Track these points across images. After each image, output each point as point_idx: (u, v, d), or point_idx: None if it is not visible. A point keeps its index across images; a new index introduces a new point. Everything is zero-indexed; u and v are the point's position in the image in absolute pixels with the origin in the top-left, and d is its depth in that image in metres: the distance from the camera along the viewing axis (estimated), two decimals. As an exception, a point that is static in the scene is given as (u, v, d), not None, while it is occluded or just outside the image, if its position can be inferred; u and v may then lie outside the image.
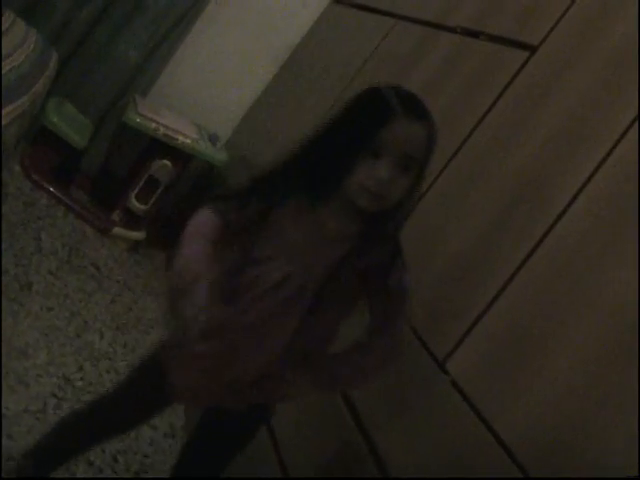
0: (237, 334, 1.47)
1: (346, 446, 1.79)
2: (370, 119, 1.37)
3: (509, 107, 1.90)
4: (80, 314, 2.80)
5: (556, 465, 1.26)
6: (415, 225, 1.96)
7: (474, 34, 2.25)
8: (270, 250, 1.47)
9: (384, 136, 1.35)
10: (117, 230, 3.60)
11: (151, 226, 3.72)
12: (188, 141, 3.49)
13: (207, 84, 3.98)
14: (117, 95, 3.87)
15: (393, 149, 1.36)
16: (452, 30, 2.38)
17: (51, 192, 3.54)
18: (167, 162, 3.50)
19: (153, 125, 3.43)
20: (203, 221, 1.48)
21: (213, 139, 3.65)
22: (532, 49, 1.94)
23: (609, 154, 1.50)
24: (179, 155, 3.52)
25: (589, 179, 1.51)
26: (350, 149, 1.37)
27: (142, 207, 3.57)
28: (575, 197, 1.52)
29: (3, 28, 2.62)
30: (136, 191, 3.54)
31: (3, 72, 2.28)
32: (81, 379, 2.44)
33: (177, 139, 3.47)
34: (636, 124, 1.48)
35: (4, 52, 2.41)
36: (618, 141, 1.50)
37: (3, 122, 2.16)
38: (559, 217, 1.53)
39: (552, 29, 1.91)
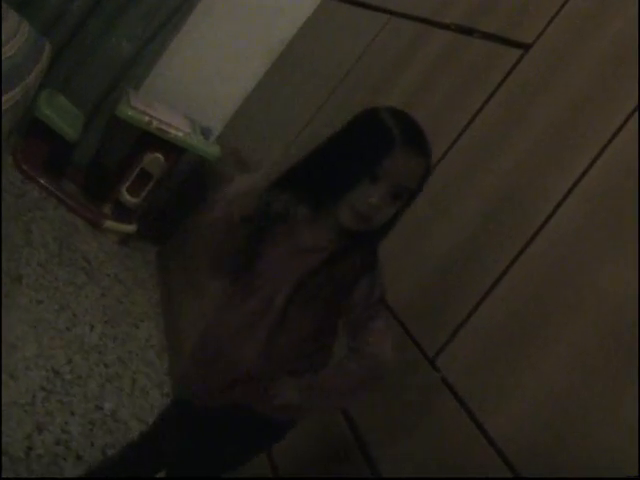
0: (214, 341, 1.54)
1: (335, 440, 1.80)
2: (373, 147, 1.38)
3: (502, 105, 1.91)
4: (70, 307, 2.79)
5: (545, 463, 1.27)
6: (406, 222, 1.97)
7: (468, 31, 2.24)
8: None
9: (384, 165, 1.36)
10: (108, 223, 3.59)
11: (142, 219, 3.71)
12: (180, 135, 3.48)
13: (200, 78, 3.97)
14: (110, 87, 3.86)
15: (390, 178, 1.37)
16: (446, 27, 2.38)
17: (42, 184, 3.52)
18: (159, 155, 3.49)
19: (146, 118, 3.42)
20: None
21: (206, 133, 3.65)
22: (526, 47, 1.94)
23: (602, 152, 1.50)
24: (171, 149, 3.51)
25: (582, 177, 1.52)
26: (350, 174, 1.38)
27: (134, 200, 3.56)
28: (567, 195, 1.53)
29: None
30: (128, 184, 3.53)
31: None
32: (70, 372, 2.43)
33: (169, 132, 3.46)
34: (630, 122, 1.49)
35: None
36: (611, 139, 1.50)
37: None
38: (551, 215, 1.54)
39: (546, 27, 1.91)
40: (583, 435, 1.22)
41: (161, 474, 1.73)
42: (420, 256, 1.84)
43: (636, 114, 1.49)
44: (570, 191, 1.52)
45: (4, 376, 2.21)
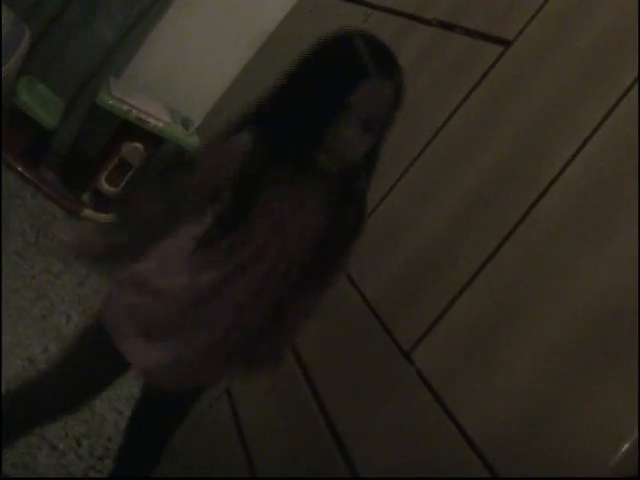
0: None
1: (310, 433, 1.80)
2: (339, 76, 1.31)
3: (483, 100, 1.91)
4: (47, 296, 2.77)
5: (519, 457, 1.27)
6: (384, 215, 1.97)
7: (450, 27, 2.25)
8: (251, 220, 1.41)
9: (353, 97, 1.30)
10: (87, 212, 3.57)
11: (120, 209, 3.69)
12: (160, 124, 3.47)
13: (181, 67, 3.95)
14: (90, 75, 3.83)
15: (360, 109, 1.31)
16: (428, 22, 2.38)
17: (20, 172, 3.50)
18: (139, 145, 3.48)
19: (125, 107, 3.41)
20: None
21: (186, 123, 3.63)
22: (507, 43, 1.95)
23: (583, 146, 1.51)
24: (151, 138, 3.50)
25: (562, 171, 1.52)
26: (319, 115, 1.32)
27: (112, 189, 3.54)
28: (547, 189, 1.53)
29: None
30: (107, 173, 3.52)
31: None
32: (46, 361, 2.42)
33: (149, 122, 3.45)
34: (610, 118, 1.50)
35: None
36: (592, 134, 1.51)
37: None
38: (529, 210, 1.54)
39: (527, 24, 1.92)
40: (557, 428, 1.23)
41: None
42: (397, 249, 1.84)
43: (616, 111, 1.49)
44: (550, 185, 1.53)
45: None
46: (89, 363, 1.59)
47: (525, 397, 1.31)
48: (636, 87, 1.48)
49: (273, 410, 2.00)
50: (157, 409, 1.70)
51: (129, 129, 3.49)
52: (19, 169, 3.50)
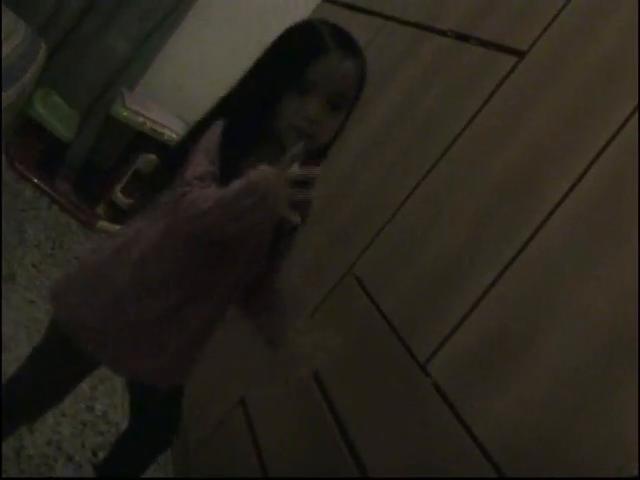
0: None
1: (325, 445, 1.80)
2: (300, 53, 1.33)
3: (497, 111, 1.91)
4: (62, 307, 2.78)
5: (534, 469, 1.27)
6: (399, 228, 1.97)
7: (464, 38, 2.25)
8: None
9: (314, 71, 1.31)
10: (101, 224, 3.59)
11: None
12: (174, 136, 3.48)
13: (195, 79, 3.97)
14: (105, 87, 3.86)
15: (323, 86, 1.31)
16: (442, 33, 2.38)
17: (36, 183, 3.52)
18: (153, 156, 3.50)
19: (140, 119, 3.43)
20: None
21: (200, 134, 3.64)
22: (521, 54, 1.95)
23: (597, 159, 1.51)
24: (165, 150, 3.51)
25: (576, 184, 1.52)
26: (277, 86, 1.32)
27: (127, 201, 3.56)
28: (561, 201, 1.53)
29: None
30: (121, 185, 3.53)
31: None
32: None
33: (164, 134, 3.46)
34: (625, 129, 1.49)
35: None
36: (606, 146, 1.50)
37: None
38: (545, 220, 1.54)
39: (541, 35, 1.92)
40: (573, 441, 1.23)
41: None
42: (412, 262, 1.84)
43: (630, 122, 1.49)
44: (564, 198, 1.53)
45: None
46: (53, 368, 1.59)
47: (541, 409, 1.31)
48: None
49: (288, 421, 2.00)
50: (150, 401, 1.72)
51: (144, 140, 3.51)
52: (34, 181, 3.52)
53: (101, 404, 2.42)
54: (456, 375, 1.53)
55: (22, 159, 3.53)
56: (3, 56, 2.43)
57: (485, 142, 1.88)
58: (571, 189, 1.52)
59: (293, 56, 1.34)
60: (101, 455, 2.20)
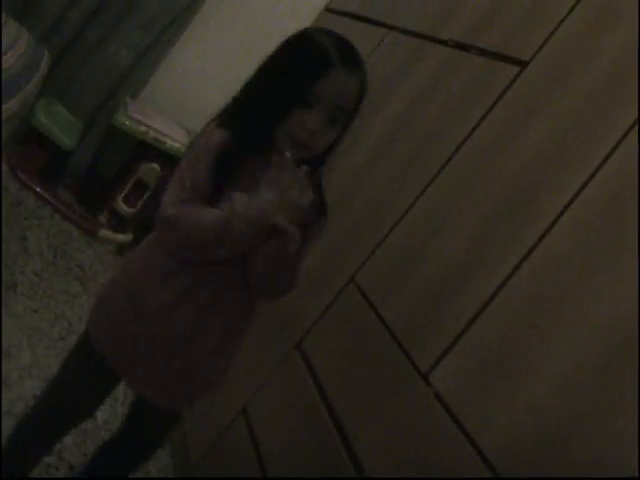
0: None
1: (327, 454, 1.80)
2: (305, 69, 1.34)
3: (498, 121, 1.91)
4: (64, 316, 2.79)
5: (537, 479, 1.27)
6: (401, 238, 1.98)
7: (466, 47, 2.25)
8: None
9: (319, 88, 1.32)
10: (103, 232, 3.59)
11: (138, 229, 3.71)
12: (177, 145, 3.49)
13: (197, 88, 3.98)
14: (107, 96, 3.86)
15: (326, 101, 1.33)
16: (444, 43, 2.39)
17: (38, 192, 3.53)
18: (155, 165, 3.50)
19: (142, 128, 3.43)
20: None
21: (202, 143, 3.64)
22: (523, 64, 1.95)
23: (598, 169, 1.51)
24: (168, 159, 3.52)
25: (577, 194, 1.52)
26: (284, 100, 1.34)
27: (129, 210, 3.56)
28: (563, 212, 1.53)
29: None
30: (124, 194, 3.54)
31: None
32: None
33: (166, 143, 3.47)
34: (627, 139, 1.49)
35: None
36: (608, 156, 1.51)
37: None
38: (546, 231, 1.54)
39: (543, 44, 1.92)
40: (576, 451, 1.23)
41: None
42: (414, 272, 1.84)
43: (632, 132, 1.49)
44: (566, 208, 1.53)
45: (-3, 385, 2.20)
46: (82, 383, 1.63)
47: (543, 419, 1.31)
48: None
49: (290, 430, 2.00)
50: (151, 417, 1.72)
51: (146, 150, 3.51)
52: (37, 189, 3.53)
53: (103, 413, 2.42)
54: (458, 385, 1.53)
55: (24, 168, 3.53)
56: (6, 65, 2.43)
57: (487, 152, 1.88)
58: (573, 199, 1.52)
59: (298, 71, 1.35)
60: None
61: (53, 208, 3.54)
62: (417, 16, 2.73)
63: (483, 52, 2.16)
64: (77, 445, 2.21)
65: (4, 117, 2.27)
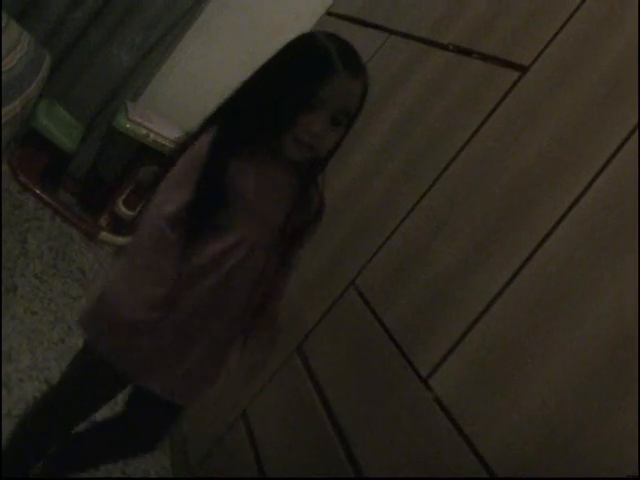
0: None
1: (327, 458, 1.80)
2: (310, 74, 1.36)
3: (499, 126, 1.92)
4: (64, 319, 2.79)
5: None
6: (401, 242, 1.98)
7: (466, 52, 2.26)
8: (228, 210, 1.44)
9: (323, 92, 1.34)
10: (104, 235, 3.59)
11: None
12: (177, 148, 3.48)
13: (199, 91, 3.97)
14: (108, 99, 3.86)
15: (329, 103, 1.36)
16: (444, 47, 2.39)
17: (39, 195, 3.53)
18: (156, 168, 3.49)
19: (143, 131, 3.43)
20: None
21: (203, 146, 3.64)
22: (523, 69, 1.95)
23: (599, 173, 1.51)
24: (168, 162, 3.51)
25: (578, 198, 1.52)
26: (290, 104, 1.36)
27: (129, 213, 3.56)
28: (563, 216, 1.53)
29: (-3, 30, 2.62)
30: (124, 196, 3.54)
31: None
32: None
33: (166, 145, 3.46)
34: (628, 144, 1.50)
35: (-3, 55, 2.41)
36: (609, 160, 1.51)
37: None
38: (546, 236, 1.54)
39: (543, 50, 1.92)
40: (577, 455, 1.23)
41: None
42: (414, 276, 1.84)
43: (633, 137, 1.50)
44: (567, 213, 1.53)
45: (-3, 387, 2.20)
46: (90, 388, 1.63)
47: (543, 423, 1.31)
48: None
49: (290, 434, 2.00)
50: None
51: (147, 152, 3.51)
52: (37, 192, 3.53)
53: (101, 416, 2.41)
54: (458, 390, 1.53)
55: (25, 170, 3.53)
56: (7, 67, 2.44)
57: (487, 156, 1.88)
58: (574, 203, 1.53)
59: (302, 75, 1.36)
60: (102, 468, 2.20)
61: (54, 210, 3.54)
62: (418, 20, 2.73)
63: (484, 57, 2.16)
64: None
65: (5, 119, 2.27)
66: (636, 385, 1.19)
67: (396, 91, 2.48)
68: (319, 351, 2.05)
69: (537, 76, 1.91)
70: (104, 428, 1.81)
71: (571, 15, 1.90)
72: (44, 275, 2.97)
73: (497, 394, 1.43)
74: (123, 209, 3.55)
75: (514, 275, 1.56)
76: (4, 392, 2.21)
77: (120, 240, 3.62)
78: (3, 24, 2.73)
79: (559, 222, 1.54)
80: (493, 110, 1.96)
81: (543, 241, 1.55)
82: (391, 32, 2.87)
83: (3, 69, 2.39)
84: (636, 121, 1.50)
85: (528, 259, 1.55)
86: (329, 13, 3.78)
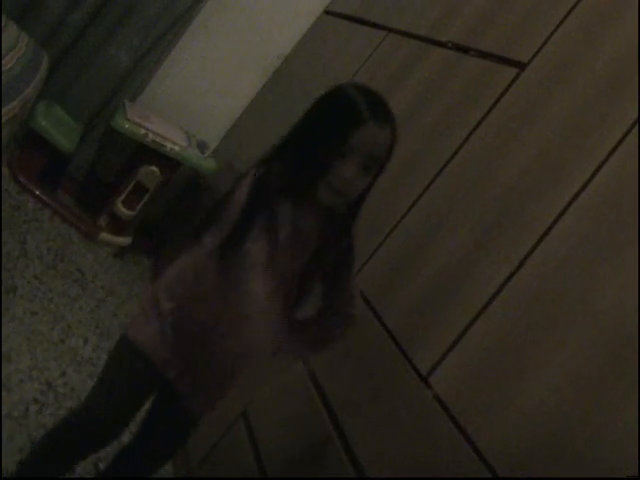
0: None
1: (326, 456, 1.79)
2: (341, 124, 1.44)
3: (498, 123, 1.92)
4: (64, 319, 2.78)
5: (537, 481, 1.27)
6: (400, 241, 1.97)
7: (464, 50, 2.26)
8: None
9: (353, 140, 1.42)
10: (103, 235, 3.59)
11: (137, 232, 3.71)
12: (176, 148, 3.48)
13: (197, 91, 3.98)
14: (107, 99, 3.85)
15: (360, 152, 1.44)
16: (443, 45, 2.39)
17: (38, 195, 3.52)
18: (155, 168, 3.50)
19: (142, 131, 3.42)
20: None
21: (202, 146, 3.65)
22: (522, 66, 1.95)
23: (599, 169, 1.51)
24: (167, 162, 3.51)
25: (578, 194, 1.52)
26: (324, 152, 1.44)
27: (129, 213, 3.55)
28: (561, 214, 1.53)
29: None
30: (123, 197, 3.53)
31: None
32: (64, 384, 2.43)
33: (165, 146, 3.46)
34: (627, 140, 1.50)
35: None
36: (608, 156, 1.51)
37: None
38: (546, 233, 1.54)
39: (542, 47, 1.93)
40: (576, 453, 1.23)
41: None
42: (414, 275, 1.84)
43: (631, 134, 1.50)
44: (566, 209, 1.53)
45: (-3, 388, 2.20)
46: (126, 388, 1.68)
47: (543, 421, 1.31)
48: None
49: (290, 434, 2.00)
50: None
51: (145, 153, 3.50)
52: (37, 193, 3.52)
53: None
54: (458, 388, 1.53)
55: (24, 171, 3.52)
56: (6, 68, 2.43)
57: (486, 153, 1.88)
58: (572, 201, 1.53)
59: (333, 125, 1.45)
60: (101, 466, 2.20)
61: (53, 211, 3.54)
62: (416, 18, 2.73)
63: (482, 54, 2.16)
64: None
65: (4, 120, 2.27)
66: (636, 385, 1.19)
67: (395, 89, 2.47)
68: (319, 350, 2.05)
69: (536, 73, 1.91)
70: (126, 454, 1.87)
71: (569, 12, 1.90)
72: (44, 276, 2.97)
73: (497, 392, 1.43)
74: (122, 209, 3.55)
75: (513, 272, 1.56)
76: (4, 393, 2.20)
77: (119, 240, 3.62)
78: (2, 25, 2.73)
79: (558, 219, 1.54)
80: (492, 107, 1.96)
81: (542, 238, 1.55)
82: (389, 30, 2.88)
83: (2, 69, 2.38)
84: (635, 116, 1.49)
85: (527, 256, 1.55)
86: (327, 12, 3.78)
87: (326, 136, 1.45)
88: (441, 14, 2.56)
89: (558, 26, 1.92)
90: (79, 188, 3.91)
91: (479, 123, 1.96)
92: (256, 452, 2.07)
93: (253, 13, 3.90)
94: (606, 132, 1.55)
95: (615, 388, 1.23)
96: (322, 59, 3.49)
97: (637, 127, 1.48)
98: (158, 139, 3.45)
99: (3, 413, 2.11)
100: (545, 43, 1.93)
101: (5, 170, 3.49)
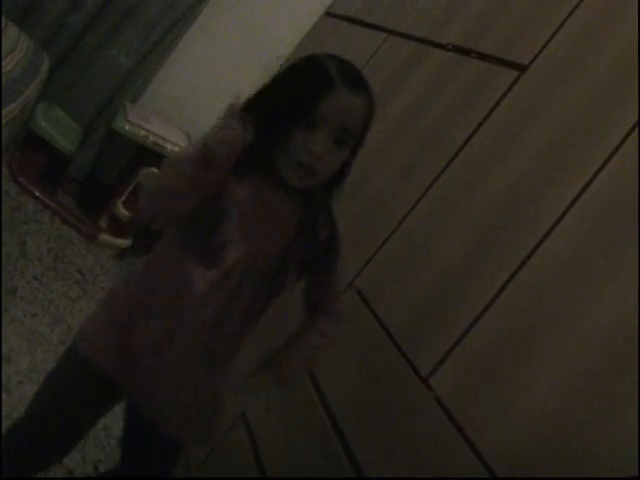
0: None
1: (328, 461, 1.79)
2: (307, 89, 1.30)
3: (498, 125, 1.91)
4: (64, 320, 2.78)
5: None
6: (401, 242, 1.97)
7: (465, 52, 2.26)
8: (229, 228, 1.36)
9: (321, 107, 1.28)
10: (103, 237, 3.59)
11: (137, 234, 3.71)
12: (177, 149, 3.48)
13: (197, 92, 3.98)
14: (107, 101, 3.86)
15: (329, 121, 1.29)
16: (443, 47, 2.39)
17: (38, 197, 3.52)
18: (155, 170, 3.50)
19: (142, 133, 3.43)
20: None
21: (202, 148, 3.64)
22: (522, 68, 1.95)
23: (599, 172, 1.51)
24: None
25: (578, 197, 1.52)
26: (284, 121, 1.29)
27: (129, 214, 3.55)
28: (562, 216, 1.53)
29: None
30: (123, 198, 3.53)
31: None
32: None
33: (166, 147, 3.46)
34: (627, 143, 1.50)
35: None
36: (609, 158, 1.51)
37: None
38: (547, 235, 1.54)
39: (542, 49, 1.93)
40: (576, 455, 1.23)
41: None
42: (414, 276, 1.84)
43: (632, 136, 1.50)
44: (566, 211, 1.53)
45: (-3, 390, 2.20)
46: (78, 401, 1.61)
47: (543, 422, 1.31)
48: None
49: (290, 436, 2.00)
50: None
51: (146, 154, 3.50)
52: (37, 194, 3.53)
53: (102, 418, 2.41)
54: (458, 389, 1.53)
55: (24, 172, 3.53)
56: (6, 70, 2.43)
57: (486, 156, 1.88)
58: (572, 203, 1.53)
59: (301, 91, 1.30)
60: (102, 469, 2.20)
61: (53, 212, 3.54)
62: (416, 20, 2.73)
63: (482, 56, 2.16)
64: (76, 450, 2.19)
65: (4, 121, 2.27)
66: (636, 385, 1.19)
67: (395, 91, 2.47)
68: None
69: (536, 75, 1.91)
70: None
71: (569, 14, 1.90)
72: (44, 277, 2.97)
73: (497, 393, 1.43)
74: (123, 211, 3.55)
75: (514, 274, 1.56)
76: (4, 394, 2.20)
77: (120, 242, 3.62)
78: (2, 26, 2.73)
79: (559, 220, 1.53)
80: (492, 109, 1.96)
81: (543, 240, 1.55)
82: (390, 32, 2.87)
83: (2, 71, 2.38)
84: (636, 118, 1.49)
85: (528, 258, 1.55)
86: (327, 13, 3.78)
87: (292, 103, 1.29)
88: (441, 16, 2.56)
89: (559, 28, 1.92)
90: (79, 189, 3.91)
91: (479, 125, 1.96)
92: (255, 452, 2.07)
93: (253, 15, 3.91)
94: (607, 134, 1.55)
95: (615, 388, 1.23)
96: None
97: (638, 129, 1.48)
98: (159, 140, 3.46)
99: (3, 414, 2.11)
100: (545, 45, 1.93)
101: (5, 171, 3.49)
